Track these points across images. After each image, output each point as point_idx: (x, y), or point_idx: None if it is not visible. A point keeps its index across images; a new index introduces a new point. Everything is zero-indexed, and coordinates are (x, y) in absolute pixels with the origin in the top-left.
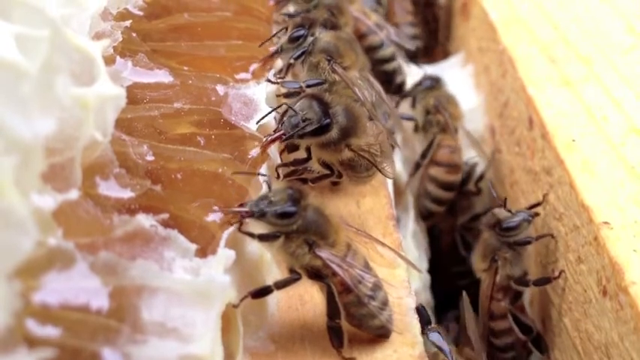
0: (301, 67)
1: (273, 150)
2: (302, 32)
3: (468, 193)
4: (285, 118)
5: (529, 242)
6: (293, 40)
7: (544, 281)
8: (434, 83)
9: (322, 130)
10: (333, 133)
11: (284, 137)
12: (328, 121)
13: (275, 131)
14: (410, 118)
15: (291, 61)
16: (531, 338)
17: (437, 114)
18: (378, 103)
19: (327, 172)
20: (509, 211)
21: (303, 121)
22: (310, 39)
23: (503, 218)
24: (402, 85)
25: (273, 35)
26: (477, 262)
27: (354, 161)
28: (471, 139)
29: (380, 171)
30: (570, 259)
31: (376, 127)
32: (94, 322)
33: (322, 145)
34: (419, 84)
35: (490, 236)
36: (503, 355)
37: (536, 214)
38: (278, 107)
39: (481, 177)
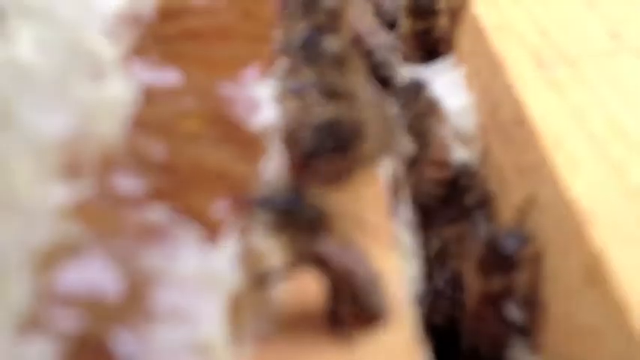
0: (306, 70)
1: (277, 146)
2: (313, 37)
3: (459, 187)
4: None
5: (521, 267)
6: (303, 43)
7: (534, 297)
8: (417, 88)
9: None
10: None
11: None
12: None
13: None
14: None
15: (297, 64)
16: (515, 328)
17: (426, 121)
18: None
19: None
20: (505, 229)
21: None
22: (319, 44)
23: (499, 244)
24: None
25: (284, 40)
26: (469, 272)
27: None
28: (459, 138)
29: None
30: (555, 251)
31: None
32: (107, 309)
33: None
34: (403, 90)
35: (484, 251)
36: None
37: (533, 236)
38: None
39: (471, 173)
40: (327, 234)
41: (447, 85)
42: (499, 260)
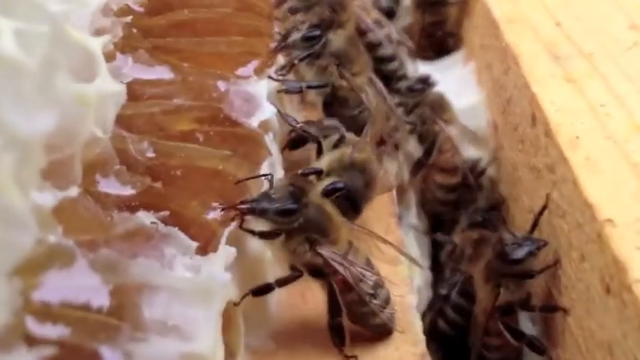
0: (306, 67)
1: (274, 146)
2: (317, 33)
3: (470, 186)
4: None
5: (532, 276)
6: (306, 39)
7: (551, 309)
8: (425, 86)
9: None
10: None
11: None
12: None
13: None
14: (408, 122)
15: (296, 61)
16: (526, 342)
17: (433, 124)
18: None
19: None
20: (515, 236)
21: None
22: (323, 40)
23: (509, 250)
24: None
25: (284, 34)
26: (479, 280)
27: None
28: (470, 136)
29: None
30: (573, 256)
31: None
32: (94, 320)
33: None
34: (411, 90)
35: (494, 260)
36: None
37: (545, 244)
38: None
39: (481, 173)
40: (330, 240)
41: (457, 81)
42: (509, 269)
